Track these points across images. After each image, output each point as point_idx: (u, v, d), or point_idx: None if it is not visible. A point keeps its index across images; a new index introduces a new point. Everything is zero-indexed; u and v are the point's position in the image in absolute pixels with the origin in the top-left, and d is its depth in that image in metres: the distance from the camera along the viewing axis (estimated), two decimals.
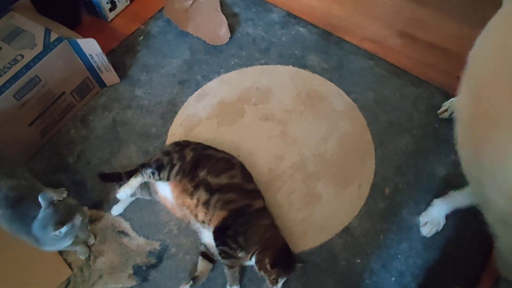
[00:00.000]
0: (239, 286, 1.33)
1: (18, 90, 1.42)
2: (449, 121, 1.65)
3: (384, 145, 1.63)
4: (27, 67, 1.43)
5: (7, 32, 1.54)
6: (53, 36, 1.52)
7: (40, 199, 1.12)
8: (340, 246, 1.43)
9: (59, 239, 1.16)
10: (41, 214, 1.12)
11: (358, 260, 1.40)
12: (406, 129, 1.67)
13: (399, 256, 1.41)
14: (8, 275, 1.38)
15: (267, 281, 1.29)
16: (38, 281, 1.37)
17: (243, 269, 1.39)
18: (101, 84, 1.75)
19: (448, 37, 1.88)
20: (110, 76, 1.73)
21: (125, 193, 1.35)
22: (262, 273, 1.28)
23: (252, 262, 1.32)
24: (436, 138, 1.64)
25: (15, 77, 1.41)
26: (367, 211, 1.49)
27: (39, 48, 1.48)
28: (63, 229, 1.11)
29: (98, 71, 1.68)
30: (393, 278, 1.37)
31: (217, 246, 1.30)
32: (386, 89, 1.78)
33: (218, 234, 1.30)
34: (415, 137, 1.65)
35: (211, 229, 1.33)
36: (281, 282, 1.29)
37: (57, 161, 1.59)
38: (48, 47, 1.49)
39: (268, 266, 1.26)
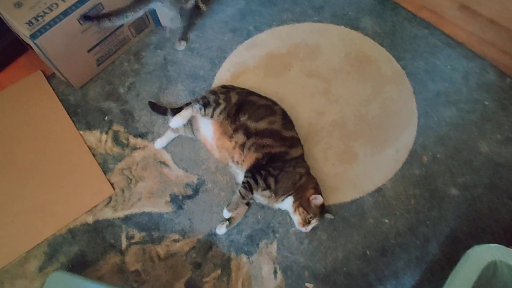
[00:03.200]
0: (231, 214, 1.39)
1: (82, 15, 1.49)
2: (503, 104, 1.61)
3: (428, 115, 1.61)
4: None
5: None
6: None
7: None
8: (371, 204, 1.45)
9: None
10: None
11: (386, 220, 1.43)
12: (453, 102, 1.64)
13: (428, 222, 1.42)
14: (59, 186, 1.50)
15: (299, 223, 1.33)
16: (84, 195, 1.48)
17: (262, 210, 1.45)
18: (157, 22, 1.80)
19: None
20: None
21: (177, 122, 1.40)
22: (297, 213, 1.33)
23: (283, 204, 1.37)
24: (483, 115, 1.60)
25: (81, 1, 1.47)
26: (401, 176, 1.50)
27: None
28: None
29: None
30: (418, 242, 1.39)
31: (245, 177, 1.35)
32: (437, 60, 1.74)
33: (251, 170, 1.35)
34: (461, 111, 1.62)
35: (244, 169, 1.38)
36: (312, 225, 1.33)
37: (109, 90, 1.67)
38: None
39: (313, 202, 1.32)
